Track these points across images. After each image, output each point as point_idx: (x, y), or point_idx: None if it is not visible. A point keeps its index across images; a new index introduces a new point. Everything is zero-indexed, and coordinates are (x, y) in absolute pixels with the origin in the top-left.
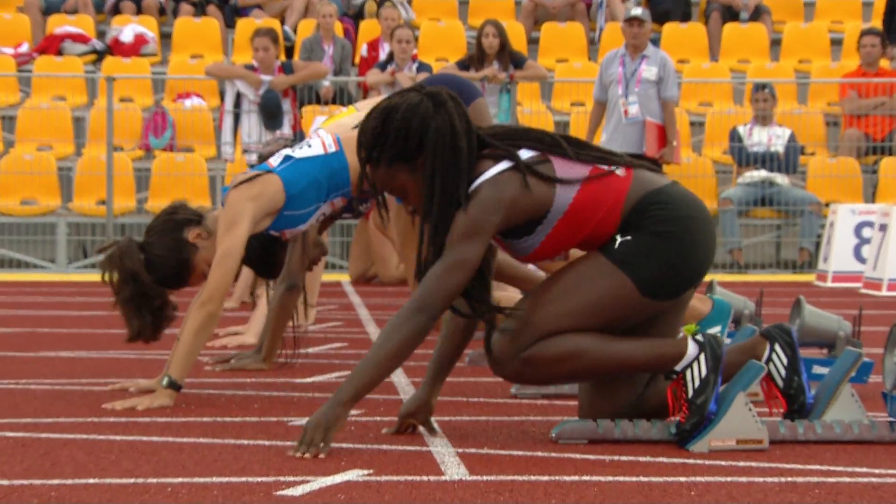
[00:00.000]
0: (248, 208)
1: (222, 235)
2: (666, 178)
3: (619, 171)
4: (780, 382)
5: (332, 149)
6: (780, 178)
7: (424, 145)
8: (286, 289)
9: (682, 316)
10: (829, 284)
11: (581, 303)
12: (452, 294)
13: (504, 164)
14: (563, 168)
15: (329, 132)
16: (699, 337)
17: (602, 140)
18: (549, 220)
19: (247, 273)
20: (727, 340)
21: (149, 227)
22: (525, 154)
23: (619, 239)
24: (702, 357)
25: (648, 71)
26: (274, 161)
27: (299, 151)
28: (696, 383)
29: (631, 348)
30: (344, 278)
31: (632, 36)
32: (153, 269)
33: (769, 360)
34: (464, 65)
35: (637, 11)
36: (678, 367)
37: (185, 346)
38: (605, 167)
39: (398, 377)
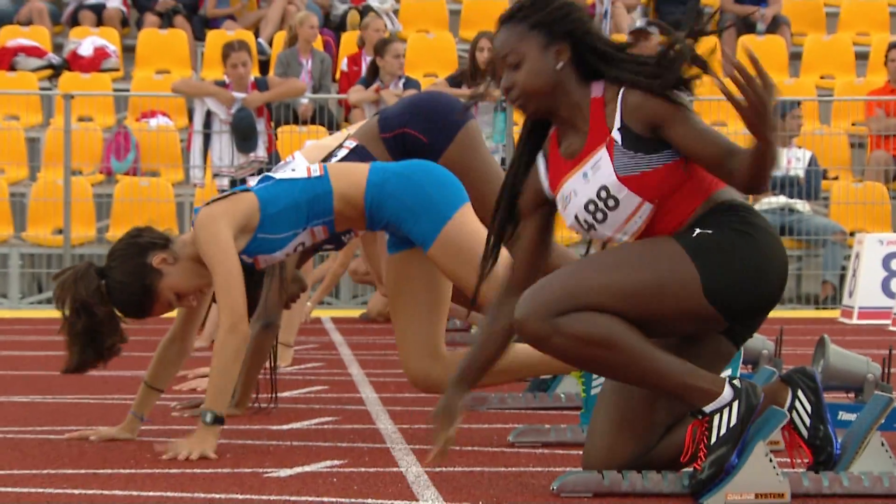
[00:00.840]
0: (223, 224)
1: (213, 261)
2: None
3: None
4: (804, 432)
5: (317, 173)
6: (801, 205)
7: (574, 36)
8: (262, 327)
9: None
10: (855, 321)
11: (637, 282)
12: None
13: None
14: None
15: (311, 159)
16: (737, 382)
17: None
18: (664, 153)
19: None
20: None
21: (111, 250)
22: None
23: (698, 230)
24: (735, 404)
25: None
26: (252, 181)
27: (280, 173)
28: (722, 431)
29: (668, 363)
30: (325, 314)
31: (637, 50)
32: (114, 296)
33: (792, 407)
34: (455, 81)
35: (642, 23)
36: (707, 408)
37: (222, 376)
38: None
39: (384, 423)
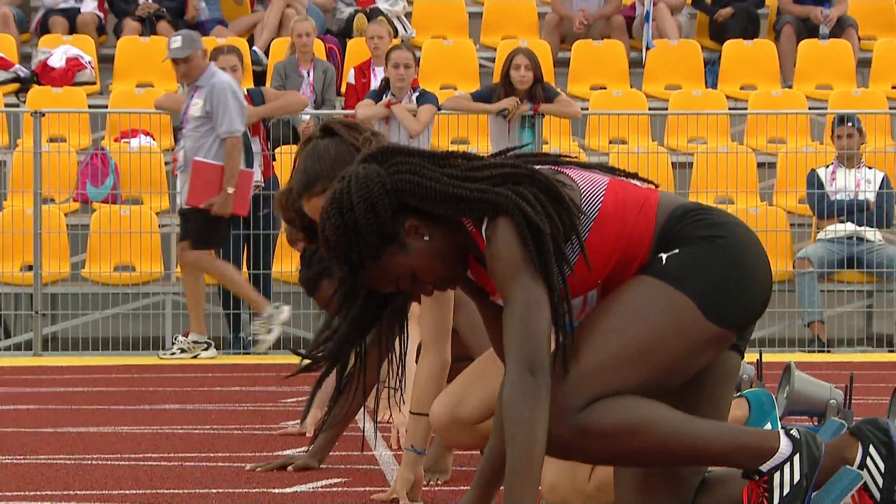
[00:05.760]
0: None
1: None
2: None
3: (638, 183)
4: (875, 493)
5: None
6: (871, 234)
7: (404, 209)
8: None
9: (729, 395)
10: None
11: (638, 340)
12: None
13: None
14: (579, 175)
15: None
16: (794, 432)
17: None
18: (581, 229)
19: None
20: None
21: None
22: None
23: (664, 256)
24: (796, 458)
25: (195, 106)
26: None
27: None
28: (786, 490)
29: (710, 431)
30: None
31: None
32: None
33: (863, 464)
34: (482, 96)
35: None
36: (765, 467)
37: None
38: (621, 177)
39: (381, 450)
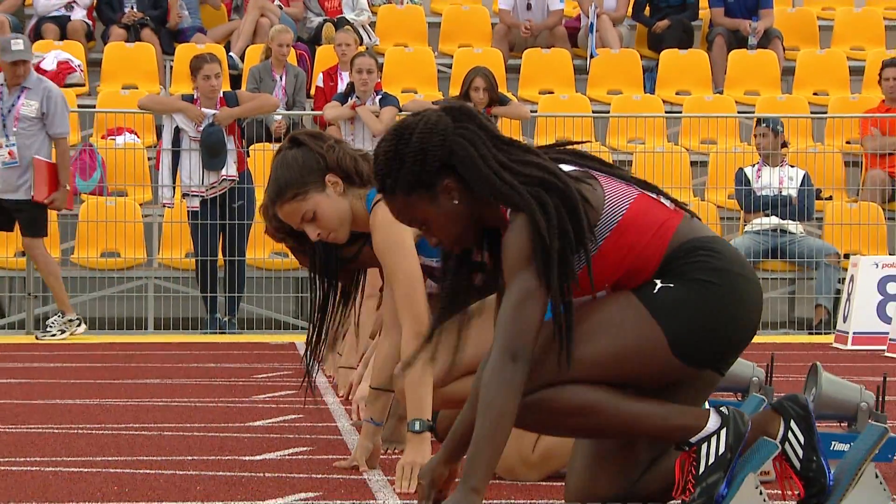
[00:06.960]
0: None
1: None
2: (714, 232)
3: (667, 203)
4: (796, 463)
5: None
6: (793, 227)
7: (452, 167)
8: None
9: (700, 405)
10: (850, 347)
11: (603, 350)
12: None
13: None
14: (608, 183)
15: None
16: (724, 409)
17: None
18: (597, 236)
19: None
20: None
21: None
22: (566, 168)
23: (658, 284)
24: (723, 432)
25: (28, 106)
26: None
27: None
28: (711, 459)
29: (647, 412)
30: (298, 339)
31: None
32: None
33: (784, 438)
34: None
35: (19, 45)
36: (693, 439)
37: (417, 388)
38: (652, 194)
39: (343, 422)
